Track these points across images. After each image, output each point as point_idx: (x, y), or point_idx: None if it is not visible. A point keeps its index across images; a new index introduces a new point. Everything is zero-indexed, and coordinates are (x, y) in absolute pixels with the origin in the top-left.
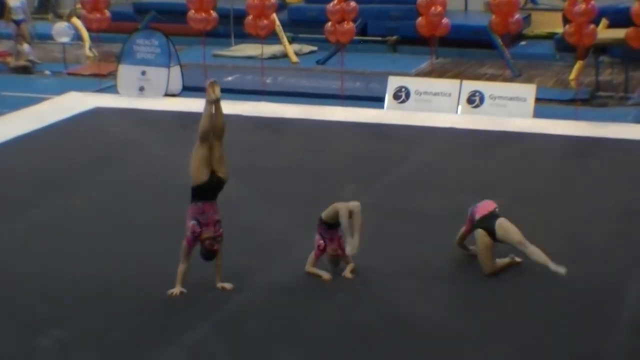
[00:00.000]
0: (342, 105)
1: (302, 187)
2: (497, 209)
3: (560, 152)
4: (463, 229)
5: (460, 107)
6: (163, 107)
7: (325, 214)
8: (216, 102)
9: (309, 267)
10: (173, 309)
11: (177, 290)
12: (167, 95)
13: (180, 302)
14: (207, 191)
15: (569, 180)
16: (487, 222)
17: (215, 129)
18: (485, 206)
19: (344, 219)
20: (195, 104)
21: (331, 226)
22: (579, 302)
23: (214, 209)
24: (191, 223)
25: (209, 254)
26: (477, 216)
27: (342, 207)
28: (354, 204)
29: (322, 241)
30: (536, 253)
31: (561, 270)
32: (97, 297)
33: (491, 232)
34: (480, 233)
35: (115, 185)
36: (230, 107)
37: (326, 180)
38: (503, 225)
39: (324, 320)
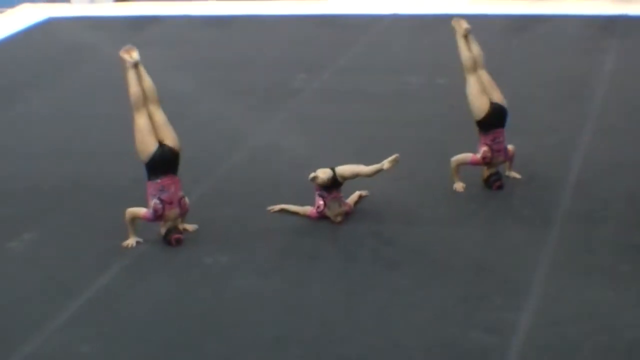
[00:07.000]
0: None
1: (254, 78)
2: None
3: (499, 30)
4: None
5: None
6: (116, 13)
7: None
8: (136, 66)
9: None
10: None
11: (131, 241)
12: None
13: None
14: (161, 164)
15: (510, 56)
16: None
17: (146, 92)
18: None
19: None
20: (147, 8)
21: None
22: (527, 170)
23: (177, 185)
24: (153, 202)
25: (170, 244)
26: None
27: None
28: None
29: (322, 202)
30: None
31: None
32: (61, 196)
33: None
34: None
35: (72, 91)
36: (177, 8)
37: (277, 70)
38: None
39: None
